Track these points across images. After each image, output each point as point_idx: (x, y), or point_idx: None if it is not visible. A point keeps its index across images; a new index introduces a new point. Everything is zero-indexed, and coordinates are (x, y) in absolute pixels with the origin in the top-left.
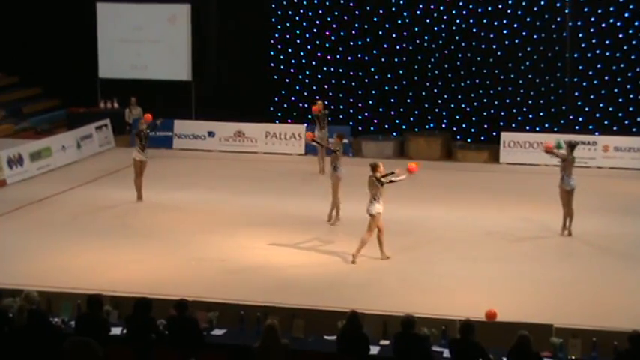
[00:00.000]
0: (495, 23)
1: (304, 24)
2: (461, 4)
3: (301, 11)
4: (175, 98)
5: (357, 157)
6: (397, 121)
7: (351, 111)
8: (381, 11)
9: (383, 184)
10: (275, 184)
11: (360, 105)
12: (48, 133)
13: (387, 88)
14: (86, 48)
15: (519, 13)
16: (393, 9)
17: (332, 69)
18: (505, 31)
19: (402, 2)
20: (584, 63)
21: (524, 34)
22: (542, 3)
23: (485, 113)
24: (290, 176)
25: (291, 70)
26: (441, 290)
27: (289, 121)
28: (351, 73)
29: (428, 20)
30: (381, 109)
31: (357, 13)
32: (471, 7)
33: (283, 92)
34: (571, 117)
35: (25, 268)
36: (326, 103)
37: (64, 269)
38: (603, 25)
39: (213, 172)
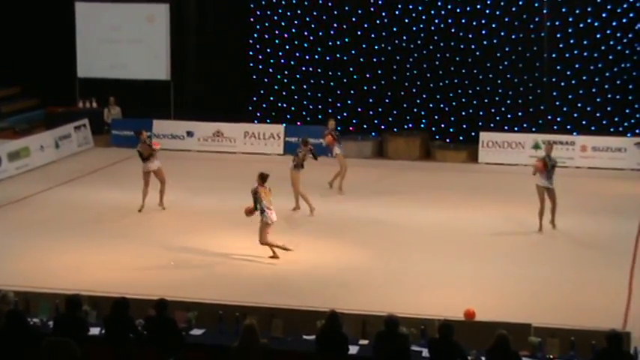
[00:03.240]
0: (474, 23)
1: (283, 24)
2: (439, 4)
3: (280, 11)
4: (154, 98)
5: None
6: (376, 121)
7: (330, 111)
8: (359, 11)
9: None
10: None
11: (338, 105)
12: (26, 132)
13: (365, 88)
14: (65, 48)
15: (498, 13)
16: (372, 9)
17: (310, 69)
18: (483, 31)
19: (380, 2)
20: (562, 63)
21: (502, 34)
22: (520, 3)
23: (463, 113)
24: (269, 176)
25: (270, 70)
26: (420, 290)
27: (268, 121)
28: (330, 73)
29: (406, 20)
30: (359, 109)
31: (335, 12)
32: (449, 7)
33: (262, 92)
34: (549, 117)
35: (2, 268)
36: (304, 104)
37: (42, 269)
38: (581, 25)
39: (192, 172)
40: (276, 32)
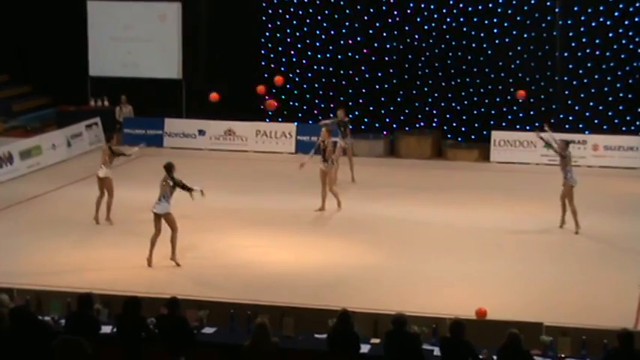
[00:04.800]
0: (486, 22)
1: (294, 22)
2: (451, 2)
3: (291, 10)
4: (166, 96)
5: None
6: (388, 120)
7: None
8: (371, 10)
9: (175, 185)
10: (265, 183)
11: (350, 104)
12: (38, 131)
13: (377, 86)
14: (77, 46)
15: (510, 11)
16: (384, 7)
17: (322, 67)
18: (495, 30)
19: (392, 1)
20: (574, 62)
21: (514, 32)
22: (532, 2)
23: (475, 112)
24: (280, 175)
25: (282, 69)
26: (431, 288)
27: (280, 119)
28: (342, 71)
29: (418, 19)
30: (371, 108)
31: (347, 11)
32: (461, 5)
33: (274, 91)
34: (561, 116)
35: (14, 267)
36: (316, 103)
37: (53, 268)
38: (593, 23)
39: (204, 170)
40: (288, 31)
